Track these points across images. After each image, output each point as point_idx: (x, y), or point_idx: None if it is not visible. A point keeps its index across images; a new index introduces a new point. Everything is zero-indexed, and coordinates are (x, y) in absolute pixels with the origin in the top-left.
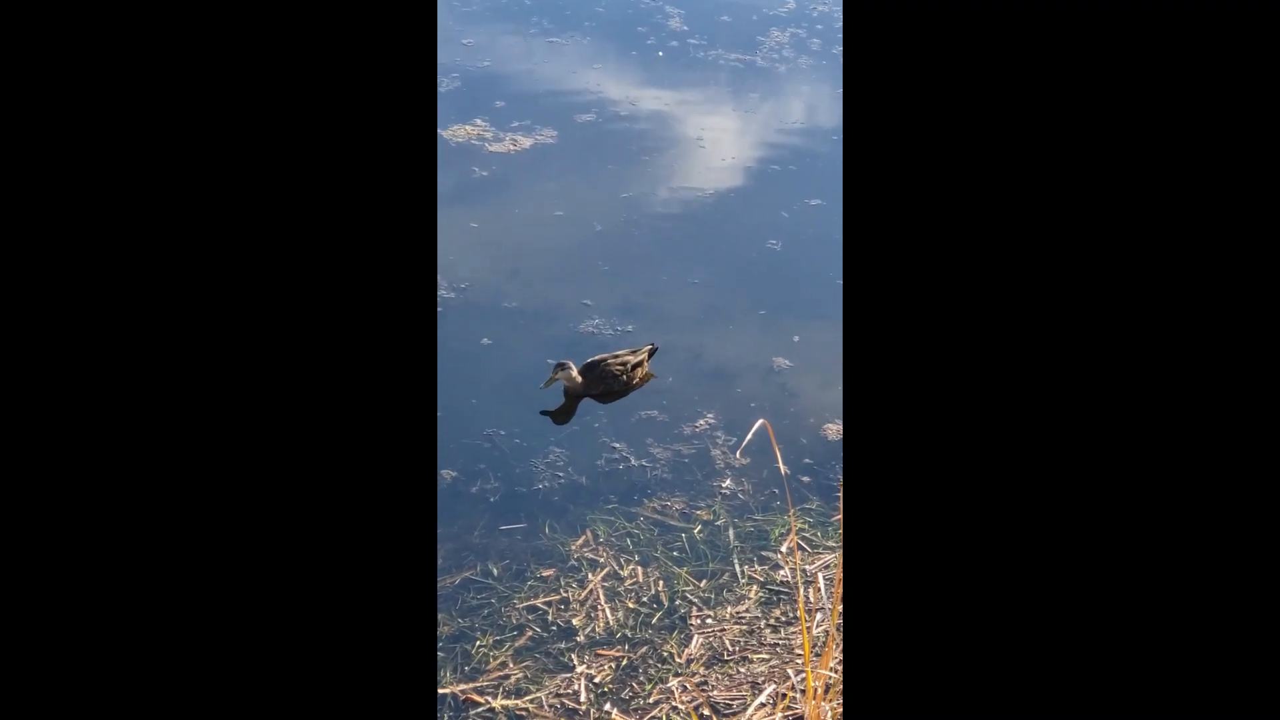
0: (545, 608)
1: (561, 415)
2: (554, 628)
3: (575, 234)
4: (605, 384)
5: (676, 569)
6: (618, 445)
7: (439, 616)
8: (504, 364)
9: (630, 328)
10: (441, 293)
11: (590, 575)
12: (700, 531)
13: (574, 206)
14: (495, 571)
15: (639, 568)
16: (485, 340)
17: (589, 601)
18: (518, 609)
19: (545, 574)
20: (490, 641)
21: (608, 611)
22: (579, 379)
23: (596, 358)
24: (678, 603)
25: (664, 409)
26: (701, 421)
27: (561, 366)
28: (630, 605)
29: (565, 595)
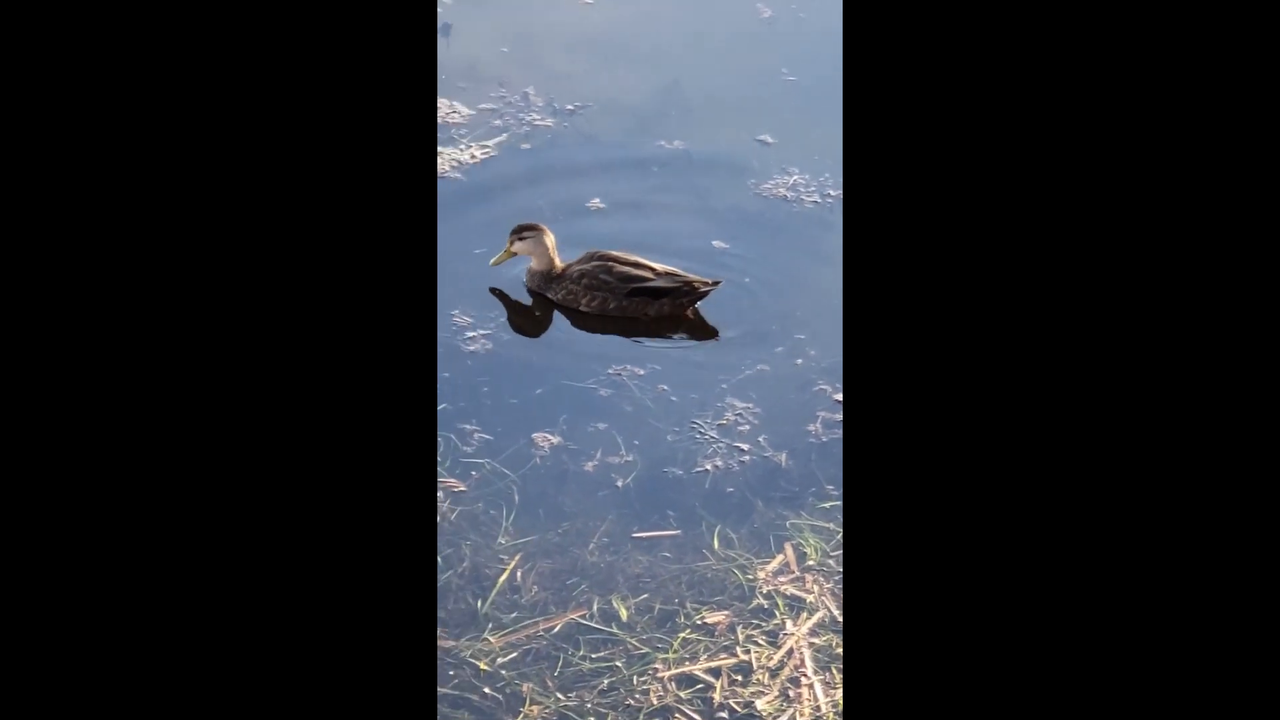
0: (709, 679)
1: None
2: (723, 718)
3: None
4: (603, 293)
5: None
6: None
7: (525, 688)
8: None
9: None
10: (443, 115)
11: (790, 624)
12: None
13: None
14: (624, 614)
15: None
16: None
17: (785, 672)
18: (661, 680)
19: (711, 620)
20: None
21: (819, 691)
22: (553, 255)
23: (613, 253)
24: None
25: None
26: None
27: (526, 232)
28: None
29: (745, 659)
